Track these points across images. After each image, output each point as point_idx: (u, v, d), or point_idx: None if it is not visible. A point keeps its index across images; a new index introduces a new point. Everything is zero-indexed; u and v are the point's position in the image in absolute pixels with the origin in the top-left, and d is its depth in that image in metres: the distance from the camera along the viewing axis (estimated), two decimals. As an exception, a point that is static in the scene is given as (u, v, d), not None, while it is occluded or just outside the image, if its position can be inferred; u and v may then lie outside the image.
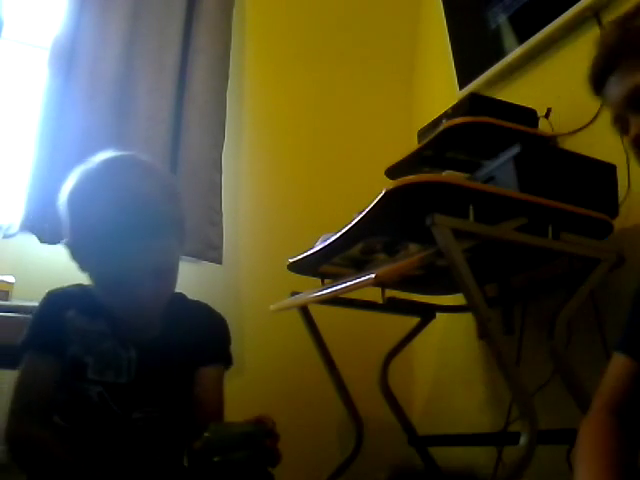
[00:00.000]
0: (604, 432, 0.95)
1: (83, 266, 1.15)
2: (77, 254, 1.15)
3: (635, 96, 0.92)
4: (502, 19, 2.05)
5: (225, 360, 1.28)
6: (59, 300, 1.19)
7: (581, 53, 1.81)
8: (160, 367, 1.18)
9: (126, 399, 1.14)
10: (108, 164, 1.13)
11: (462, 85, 2.20)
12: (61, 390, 1.14)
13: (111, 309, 1.17)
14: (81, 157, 2.00)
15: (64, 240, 1.17)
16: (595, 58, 0.98)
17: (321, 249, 1.73)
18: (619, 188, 1.58)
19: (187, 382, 1.22)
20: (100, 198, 1.07)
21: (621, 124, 0.96)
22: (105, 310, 1.17)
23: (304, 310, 1.90)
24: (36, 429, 1.10)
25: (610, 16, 1.73)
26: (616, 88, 0.94)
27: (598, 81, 0.98)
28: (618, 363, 1.00)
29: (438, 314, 2.06)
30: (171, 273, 1.15)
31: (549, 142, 1.78)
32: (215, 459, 0.91)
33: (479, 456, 1.97)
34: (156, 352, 1.18)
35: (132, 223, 1.05)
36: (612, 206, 1.56)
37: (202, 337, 1.24)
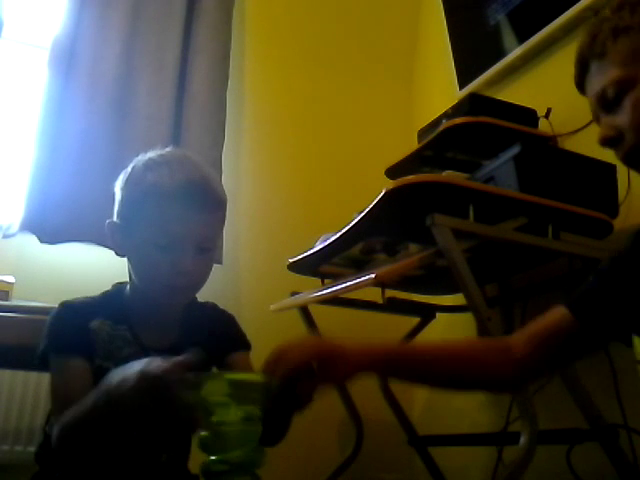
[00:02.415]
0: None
1: (126, 241, 1.15)
2: (124, 227, 1.15)
3: (602, 97, 0.95)
4: (501, 16, 2.05)
5: (247, 346, 1.28)
6: (82, 310, 1.16)
7: (581, 53, 1.82)
8: None
9: None
10: (172, 149, 1.20)
11: (462, 85, 2.20)
12: None
13: (144, 293, 1.17)
14: (81, 157, 2.04)
15: (108, 221, 1.16)
16: (575, 60, 1.02)
17: (321, 249, 1.73)
18: (619, 188, 1.58)
19: None
20: (167, 163, 1.14)
21: (597, 123, 1.00)
22: (127, 315, 1.17)
23: (304, 310, 1.90)
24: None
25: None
26: (589, 89, 0.99)
27: (579, 83, 1.02)
28: (557, 310, 1.04)
29: (438, 314, 2.06)
30: (209, 256, 1.16)
31: (549, 142, 1.78)
32: (212, 457, 0.91)
33: (479, 456, 1.97)
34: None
35: (193, 190, 1.10)
36: (612, 206, 1.56)
37: (218, 333, 1.24)
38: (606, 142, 0.96)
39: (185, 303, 1.21)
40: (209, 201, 1.13)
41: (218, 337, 1.24)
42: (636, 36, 0.93)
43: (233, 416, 0.89)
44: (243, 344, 1.28)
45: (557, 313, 1.04)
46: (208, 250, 1.15)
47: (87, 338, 1.12)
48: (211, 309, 1.31)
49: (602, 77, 0.95)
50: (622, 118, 0.94)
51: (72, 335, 1.12)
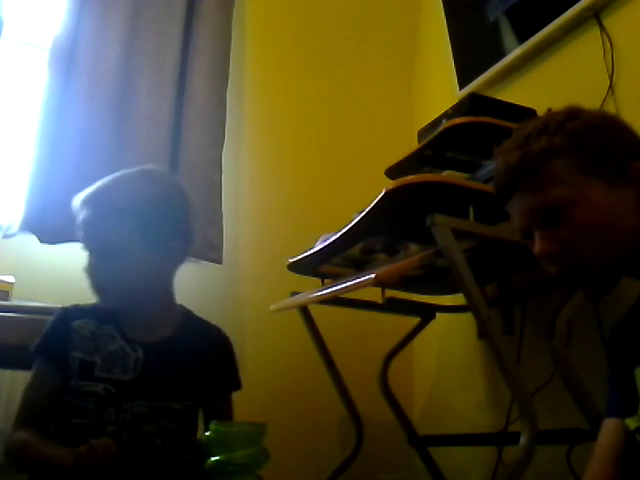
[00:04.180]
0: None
1: None
2: None
3: (541, 213, 0.99)
4: (500, 12, 2.05)
5: (236, 389, 1.42)
6: (68, 313, 1.34)
7: (581, 53, 1.83)
8: (164, 366, 1.28)
9: (131, 393, 1.24)
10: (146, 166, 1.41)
11: (462, 85, 2.20)
12: (67, 392, 1.26)
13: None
14: (81, 157, 2.04)
15: None
16: (497, 176, 1.06)
17: (321, 249, 1.73)
18: (619, 188, 1.58)
19: (192, 386, 1.32)
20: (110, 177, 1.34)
21: (525, 236, 1.04)
22: (114, 316, 1.33)
23: (304, 310, 1.90)
24: (27, 433, 1.22)
25: (610, 16, 1.73)
26: (520, 205, 1.02)
27: (503, 197, 1.05)
28: (609, 425, 1.06)
29: (438, 314, 2.06)
30: (116, 258, 1.28)
31: (549, 142, 1.77)
32: (216, 458, 0.91)
33: (479, 456, 1.97)
34: (161, 353, 1.30)
35: (94, 199, 1.30)
36: (612, 206, 1.56)
37: (215, 364, 1.36)
38: (547, 256, 1.00)
39: (116, 287, 1.31)
40: (104, 216, 1.28)
41: (213, 365, 1.36)
42: (570, 156, 0.98)
43: None
44: (232, 388, 1.42)
45: (611, 428, 1.05)
46: (112, 252, 1.28)
47: (67, 337, 1.28)
48: (215, 331, 1.43)
49: (539, 194, 0.99)
50: (564, 235, 0.97)
51: (53, 340, 1.30)
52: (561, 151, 0.98)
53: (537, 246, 1.00)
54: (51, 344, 1.30)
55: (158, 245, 1.30)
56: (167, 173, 1.47)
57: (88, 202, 1.30)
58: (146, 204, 1.30)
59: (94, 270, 1.29)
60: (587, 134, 0.99)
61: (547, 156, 0.98)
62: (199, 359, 1.33)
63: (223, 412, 1.37)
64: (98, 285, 1.30)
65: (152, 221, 1.29)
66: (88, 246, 1.31)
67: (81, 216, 1.30)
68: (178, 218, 1.35)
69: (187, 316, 1.41)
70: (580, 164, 0.97)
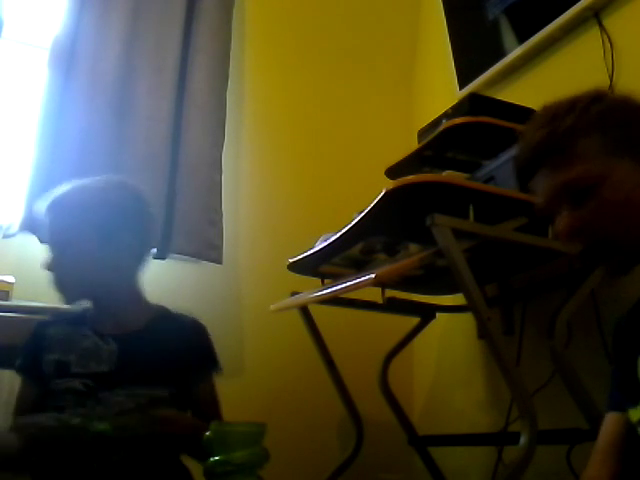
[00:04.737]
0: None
1: None
2: None
3: (563, 192, 0.99)
4: (500, 11, 2.05)
5: (215, 370, 1.42)
6: (42, 324, 1.41)
7: (581, 53, 1.83)
8: (139, 355, 1.32)
9: (108, 383, 1.28)
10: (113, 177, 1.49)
11: (462, 85, 2.20)
12: (48, 395, 1.31)
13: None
14: (81, 157, 2.05)
15: None
16: (522, 153, 1.05)
17: (321, 249, 1.73)
18: (619, 188, 1.58)
19: (168, 372, 1.35)
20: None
21: (546, 214, 1.04)
22: (86, 318, 1.40)
23: (304, 310, 1.90)
24: None
25: (610, 16, 1.73)
26: (544, 182, 1.01)
27: (526, 174, 1.05)
28: (610, 419, 1.07)
29: (438, 314, 2.06)
30: (72, 248, 1.34)
31: (549, 142, 1.77)
32: (216, 458, 0.91)
33: (479, 456, 1.97)
34: (135, 343, 1.34)
35: (48, 209, 1.37)
36: (612, 206, 1.56)
37: (189, 349, 1.38)
38: (569, 233, 0.99)
39: (70, 279, 1.37)
40: (56, 208, 1.36)
41: (187, 350, 1.38)
42: (595, 136, 0.98)
43: None
44: (210, 370, 1.42)
45: (611, 421, 1.06)
46: (66, 246, 1.34)
47: (40, 346, 1.35)
48: (188, 321, 1.45)
49: (564, 171, 0.98)
50: (588, 212, 0.97)
51: (27, 356, 1.38)
52: (587, 130, 0.98)
53: (559, 223, 1.00)
54: (26, 358, 1.38)
55: (110, 239, 1.34)
56: (126, 179, 1.48)
57: (48, 207, 1.38)
58: (95, 198, 1.35)
59: (53, 266, 1.35)
60: (613, 115, 0.99)
61: (573, 134, 0.98)
62: (173, 346, 1.36)
63: (204, 399, 1.39)
64: (59, 281, 1.36)
65: (101, 215, 1.34)
66: (48, 245, 1.38)
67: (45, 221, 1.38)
68: (129, 213, 1.38)
69: (162, 313, 1.44)
70: (606, 143, 0.98)
